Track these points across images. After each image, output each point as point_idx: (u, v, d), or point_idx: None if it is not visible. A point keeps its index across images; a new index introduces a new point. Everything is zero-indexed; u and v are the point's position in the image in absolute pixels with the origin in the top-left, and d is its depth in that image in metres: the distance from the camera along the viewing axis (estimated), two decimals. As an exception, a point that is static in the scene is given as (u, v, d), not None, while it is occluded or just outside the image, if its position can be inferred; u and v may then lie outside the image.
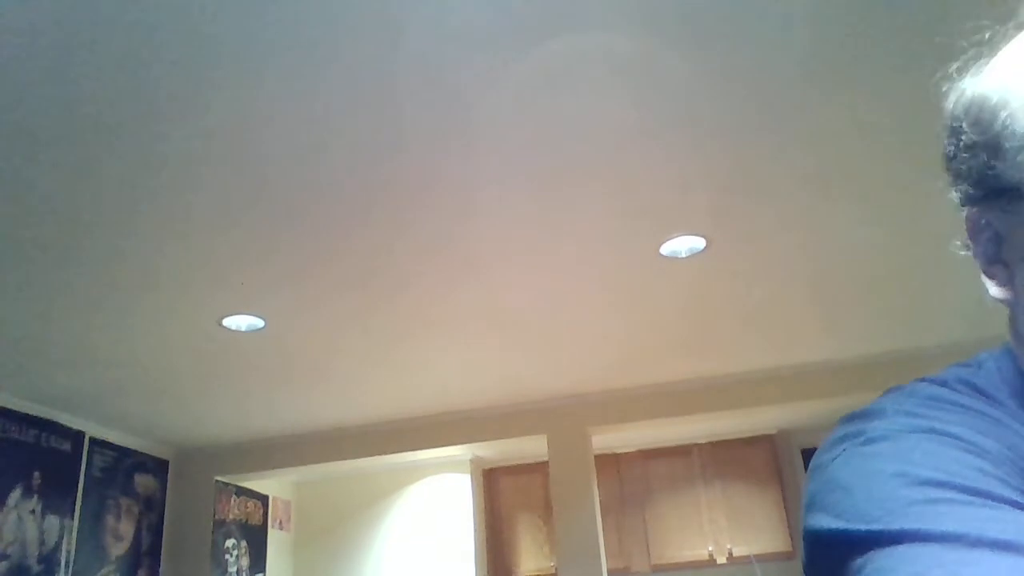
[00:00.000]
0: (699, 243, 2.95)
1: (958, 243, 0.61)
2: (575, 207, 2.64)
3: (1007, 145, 0.53)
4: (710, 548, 5.66)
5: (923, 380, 0.61)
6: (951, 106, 0.58)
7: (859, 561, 0.47)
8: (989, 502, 0.46)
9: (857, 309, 3.74)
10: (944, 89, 0.60)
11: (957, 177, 0.58)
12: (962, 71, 0.58)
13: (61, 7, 1.67)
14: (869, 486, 0.50)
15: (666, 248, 2.97)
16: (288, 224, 2.59)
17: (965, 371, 0.60)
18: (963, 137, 0.56)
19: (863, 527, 0.48)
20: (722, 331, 3.91)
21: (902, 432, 0.53)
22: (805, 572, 0.57)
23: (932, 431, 0.52)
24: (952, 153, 0.58)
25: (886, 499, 0.48)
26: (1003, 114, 0.53)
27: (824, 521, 0.52)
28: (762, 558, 5.54)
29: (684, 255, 3.03)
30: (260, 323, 3.36)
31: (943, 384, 0.59)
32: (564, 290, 3.30)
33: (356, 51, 1.87)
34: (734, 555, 5.62)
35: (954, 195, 0.59)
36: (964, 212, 0.58)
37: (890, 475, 0.50)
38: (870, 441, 0.54)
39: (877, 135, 2.35)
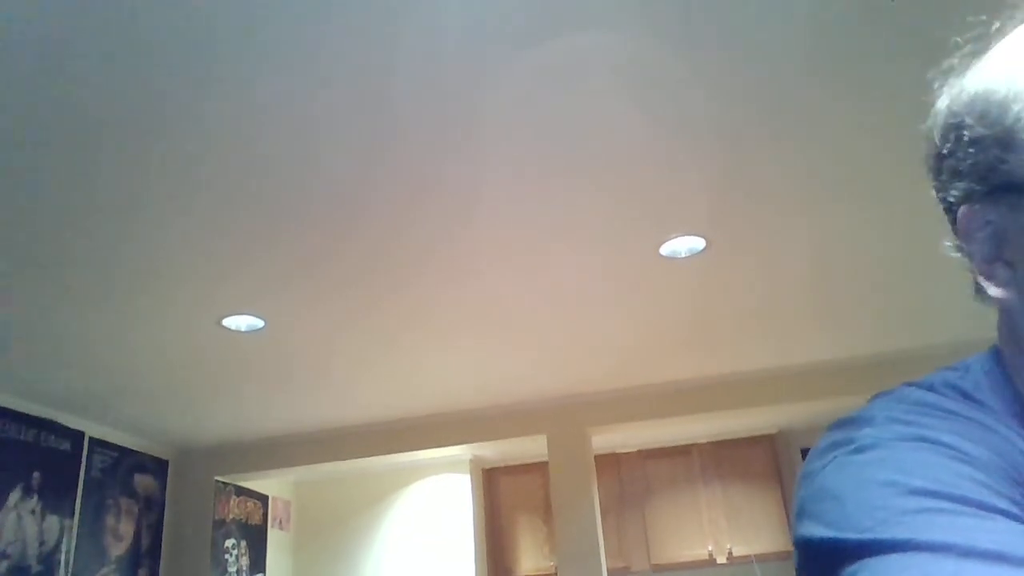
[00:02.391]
0: (699, 243, 2.95)
1: (949, 244, 0.60)
2: (575, 207, 2.64)
3: (1022, 138, 0.52)
4: (710, 548, 5.66)
5: (910, 385, 0.60)
6: (948, 103, 0.57)
7: (850, 570, 0.47)
8: (980, 512, 0.46)
9: (857, 309, 3.74)
10: (936, 86, 0.59)
11: (953, 175, 0.57)
12: (958, 67, 0.57)
13: (60, 8, 1.67)
14: (860, 495, 0.50)
15: (666, 248, 2.97)
16: (288, 224, 2.59)
17: (952, 375, 0.60)
18: (965, 132, 0.55)
19: (855, 536, 0.48)
20: (722, 331, 3.91)
21: (893, 440, 0.53)
22: None
23: (922, 439, 0.52)
24: (949, 150, 0.57)
25: (878, 508, 0.48)
26: (1016, 107, 0.52)
27: (815, 529, 0.52)
28: (762, 558, 5.55)
29: (684, 255, 3.03)
30: (260, 323, 3.36)
31: (930, 388, 0.59)
32: (564, 290, 3.30)
33: (355, 51, 1.86)
34: (734, 555, 5.62)
35: (946, 194, 0.58)
36: (960, 211, 0.57)
37: (881, 484, 0.49)
38: (861, 449, 0.53)
39: (877, 135, 2.35)
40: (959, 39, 0.58)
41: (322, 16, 1.75)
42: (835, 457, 0.55)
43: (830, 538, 0.50)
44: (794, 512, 0.56)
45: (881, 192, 2.69)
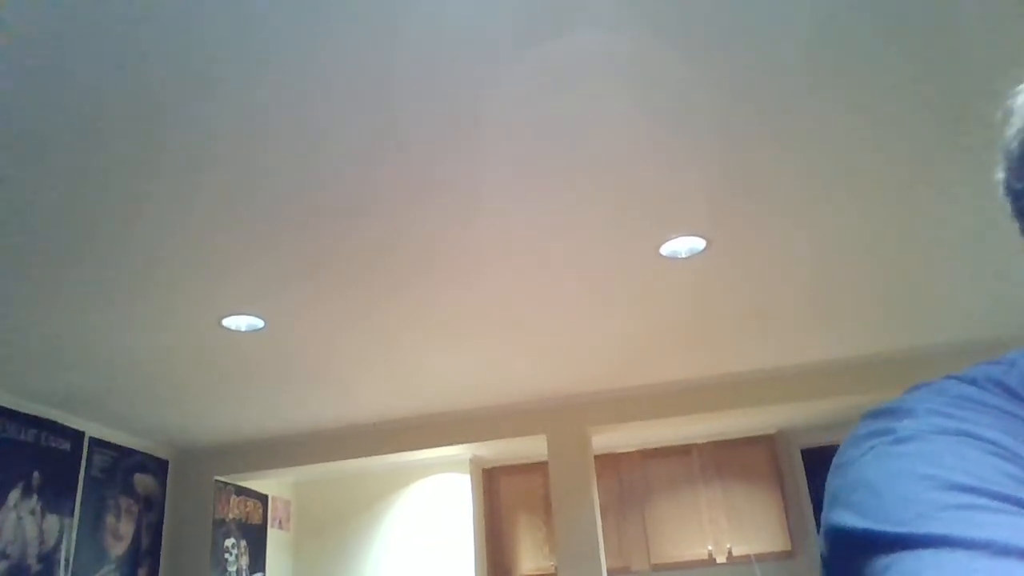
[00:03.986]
0: (699, 243, 2.95)
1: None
2: (575, 207, 2.64)
3: None
4: (710, 547, 5.66)
5: (952, 378, 0.59)
6: None
7: (884, 563, 0.46)
8: (1020, 510, 0.45)
9: (857, 309, 3.74)
10: None
11: None
12: None
13: (61, 10, 1.67)
14: (898, 487, 0.49)
15: (666, 248, 2.97)
16: (288, 224, 2.59)
17: (996, 370, 0.58)
18: None
19: (890, 529, 0.47)
20: (722, 331, 3.91)
21: (933, 433, 0.52)
22: (823, 567, 0.56)
23: (964, 433, 0.51)
24: None
25: (915, 502, 0.47)
26: None
27: (849, 519, 0.51)
28: (762, 557, 5.55)
29: (684, 255, 3.03)
30: (260, 323, 3.36)
31: (972, 383, 0.57)
32: (564, 290, 3.30)
33: (356, 51, 1.86)
34: (734, 554, 5.62)
35: None
36: None
37: (920, 477, 0.49)
38: (900, 441, 0.53)
39: (877, 136, 2.35)
40: None
41: (322, 16, 1.75)
42: (873, 447, 0.54)
43: (864, 529, 0.49)
44: (826, 500, 0.55)
45: (881, 192, 2.69)
